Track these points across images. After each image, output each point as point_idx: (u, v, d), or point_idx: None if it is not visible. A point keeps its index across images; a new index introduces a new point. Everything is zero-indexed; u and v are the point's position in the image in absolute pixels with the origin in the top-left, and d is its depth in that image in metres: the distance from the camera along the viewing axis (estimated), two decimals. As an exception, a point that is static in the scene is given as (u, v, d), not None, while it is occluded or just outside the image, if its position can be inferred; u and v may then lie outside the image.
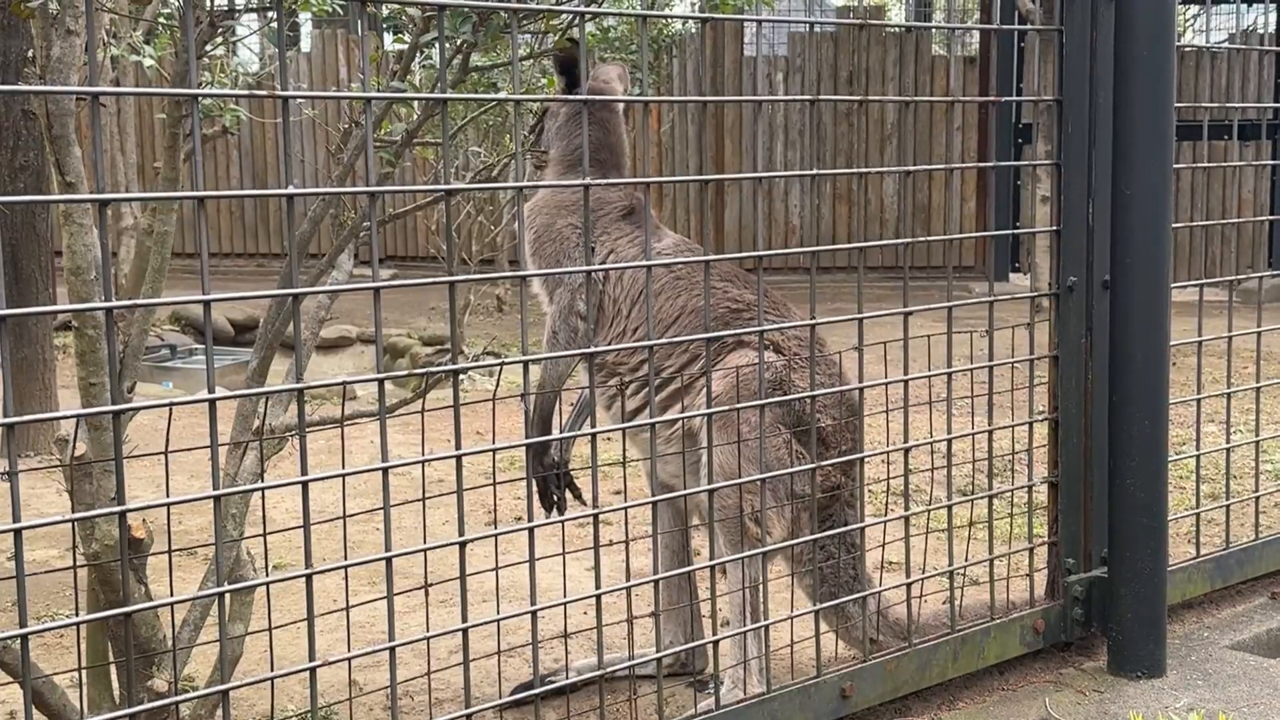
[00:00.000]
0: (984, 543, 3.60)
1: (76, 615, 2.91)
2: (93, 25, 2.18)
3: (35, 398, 7.05)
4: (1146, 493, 3.49)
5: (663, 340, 3.59)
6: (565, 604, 3.03)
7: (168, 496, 2.38)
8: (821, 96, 3.86)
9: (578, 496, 3.79)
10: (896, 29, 16.40)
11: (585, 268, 3.20)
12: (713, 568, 3.46)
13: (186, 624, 3.48)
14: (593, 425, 3.89)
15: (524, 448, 3.50)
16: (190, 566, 4.78)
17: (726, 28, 14.50)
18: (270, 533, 3.01)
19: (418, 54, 3.59)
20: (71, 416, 2.64)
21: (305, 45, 17.05)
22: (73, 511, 3.03)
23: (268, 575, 2.68)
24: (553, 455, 3.71)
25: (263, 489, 2.58)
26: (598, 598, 2.97)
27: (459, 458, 2.59)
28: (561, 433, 3.76)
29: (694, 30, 14.45)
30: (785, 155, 14.91)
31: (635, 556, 4.11)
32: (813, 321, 3.17)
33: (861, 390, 3.48)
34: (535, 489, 3.64)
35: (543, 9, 3.73)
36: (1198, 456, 4.08)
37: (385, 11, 6.17)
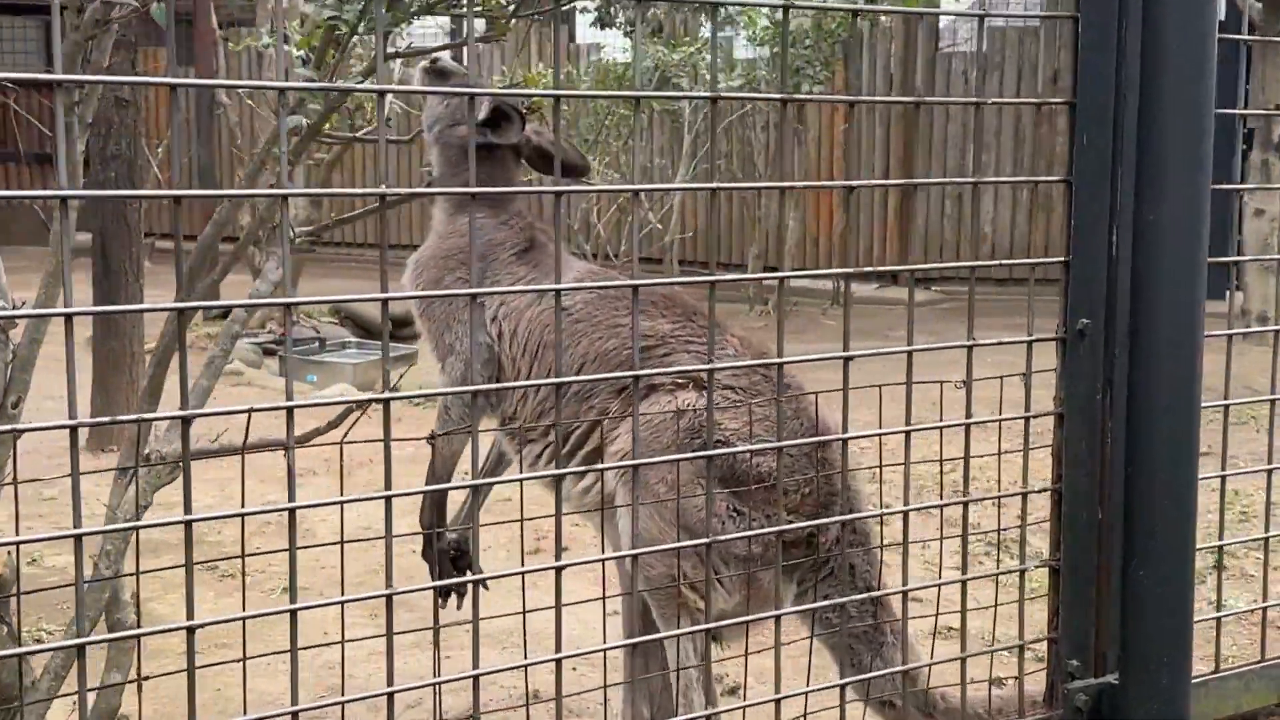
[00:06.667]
0: (975, 634, 2.99)
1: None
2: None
3: (122, 393, 6.90)
4: (1166, 586, 2.82)
5: (552, 413, 3.09)
6: (526, 666, 2.52)
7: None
8: (923, 99, 3.32)
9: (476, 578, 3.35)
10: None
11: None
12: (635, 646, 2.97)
13: (47, 672, 3.14)
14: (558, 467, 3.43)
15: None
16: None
17: (923, 22, 13.72)
18: (144, 572, 2.65)
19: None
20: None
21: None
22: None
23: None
24: (446, 537, 3.25)
25: (280, 510, 2.18)
26: (558, 662, 2.45)
27: (475, 488, 2.19)
28: (459, 517, 3.33)
29: (887, 24, 13.76)
30: (980, 158, 13.97)
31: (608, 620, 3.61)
32: (711, 367, 2.58)
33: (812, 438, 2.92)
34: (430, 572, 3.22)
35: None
36: (1220, 547, 3.32)
37: None
